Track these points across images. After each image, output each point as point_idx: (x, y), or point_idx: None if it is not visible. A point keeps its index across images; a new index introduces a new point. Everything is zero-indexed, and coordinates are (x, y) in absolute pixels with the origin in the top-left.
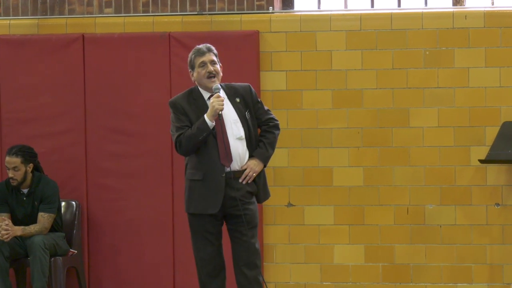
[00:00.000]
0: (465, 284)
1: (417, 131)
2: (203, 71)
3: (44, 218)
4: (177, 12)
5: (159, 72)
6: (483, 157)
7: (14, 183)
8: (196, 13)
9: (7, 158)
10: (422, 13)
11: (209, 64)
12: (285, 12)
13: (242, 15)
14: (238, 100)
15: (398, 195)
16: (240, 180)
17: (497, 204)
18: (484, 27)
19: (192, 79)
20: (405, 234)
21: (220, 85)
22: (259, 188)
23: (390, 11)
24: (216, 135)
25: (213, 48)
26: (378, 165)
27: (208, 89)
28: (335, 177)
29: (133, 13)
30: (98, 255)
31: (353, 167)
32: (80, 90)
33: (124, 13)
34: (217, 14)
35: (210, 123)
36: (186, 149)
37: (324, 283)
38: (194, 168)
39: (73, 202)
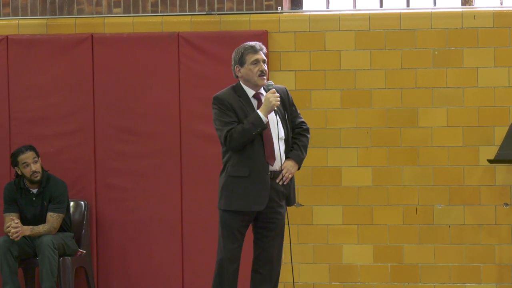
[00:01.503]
0: (474, 284)
1: (426, 131)
2: (256, 69)
3: (53, 218)
4: (186, 12)
5: (168, 72)
6: (492, 157)
7: (38, 176)
8: (205, 13)
9: (23, 155)
10: (431, 13)
11: (261, 63)
12: (294, 12)
13: (251, 15)
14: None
15: (406, 195)
16: (277, 180)
17: (506, 204)
18: (493, 27)
19: (238, 74)
20: (413, 234)
21: None
22: (290, 191)
23: (399, 11)
24: (263, 133)
25: (264, 47)
26: (387, 165)
27: (254, 86)
28: (343, 177)
29: (142, 13)
30: (107, 255)
31: (361, 167)
32: (89, 90)
33: (133, 13)
34: (226, 14)
35: (265, 118)
36: (238, 143)
37: (333, 283)
38: (238, 165)
39: (82, 202)
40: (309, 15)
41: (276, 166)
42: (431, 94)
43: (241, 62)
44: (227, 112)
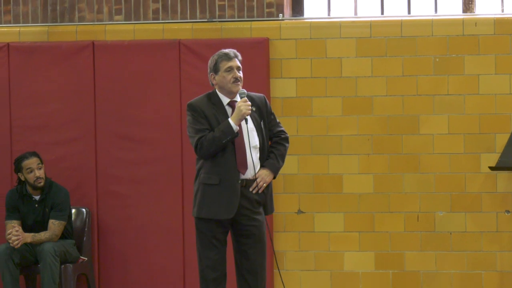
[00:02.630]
0: None
1: (427, 138)
2: (229, 76)
3: (55, 225)
4: (187, 19)
5: (169, 79)
6: (493, 164)
7: (41, 182)
8: (206, 20)
9: (28, 161)
10: (432, 20)
11: (235, 70)
12: (295, 19)
13: (252, 22)
14: (253, 109)
15: (408, 202)
16: (251, 189)
17: (508, 211)
18: (494, 34)
19: (213, 82)
20: (415, 241)
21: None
22: (266, 199)
23: (400, 18)
24: (235, 141)
25: (239, 54)
26: (388, 172)
27: (229, 94)
28: (345, 184)
29: (143, 20)
30: (108, 262)
31: (363, 174)
32: (90, 97)
33: (134, 20)
34: (227, 21)
35: (235, 127)
36: (208, 152)
37: None
38: (209, 172)
39: (83, 209)
40: (310, 22)
41: (248, 174)
42: (432, 101)
43: (215, 69)
44: (200, 119)
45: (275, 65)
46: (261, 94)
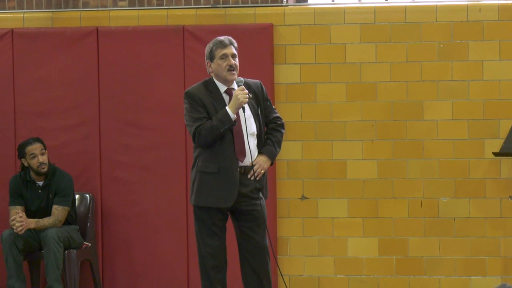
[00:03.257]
0: (479, 277)
1: (431, 124)
2: (224, 64)
3: (58, 211)
4: (191, 5)
5: (173, 65)
6: (497, 150)
7: (45, 168)
8: (210, 6)
9: (31, 146)
10: (436, 6)
11: (230, 57)
12: (299, 5)
13: (256, 8)
14: (250, 95)
15: (412, 188)
16: (249, 176)
17: (511, 197)
18: (498, 20)
19: (209, 70)
20: (419, 227)
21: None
22: (263, 185)
23: (404, 4)
24: (233, 129)
25: (234, 41)
26: (392, 158)
27: (225, 82)
28: (349, 170)
29: (147, 6)
30: (112, 247)
31: (367, 160)
32: (94, 83)
33: (138, 6)
34: (231, 7)
35: (233, 115)
36: (205, 140)
37: (338, 276)
38: (207, 160)
39: (87, 195)
40: (314, 8)
41: (246, 161)
42: (436, 87)
43: (211, 57)
44: (198, 108)
45: (279, 51)
46: (257, 80)
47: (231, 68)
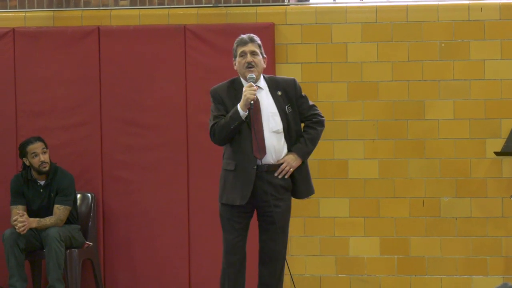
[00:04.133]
0: (480, 276)
1: (432, 124)
2: (243, 61)
3: (60, 210)
4: (193, 4)
5: (175, 64)
6: (498, 149)
7: (46, 167)
8: (211, 5)
9: (32, 145)
10: (437, 5)
11: (249, 55)
12: (300, 4)
13: (258, 7)
14: (279, 93)
15: (413, 187)
16: (276, 174)
17: None
18: (500, 19)
19: (235, 67)
20: (420, 226)
21: (264, 76)
22: (298, 183)
23: (406, 3)
24: (251, 126)
25: (256, 39)
26: (394, 157)
27: (247, 79)
28: (350, 169)
29: (149, 5)
30: (114, 247)
31: (368, 159)
32: (96, 83)
33: (140, 5)
34: (233, 7)
35: (242, 112)
36: (219, 138)
37: (339, 275)
38: (228, 158)
39: (89, 195)
40: (316, 8)
41: (269, 159)
42: (437, 86)
43: (234, 55)
44: (217, 105)
45: (280, 50)
46: (291, 78)
47: (249, 65)
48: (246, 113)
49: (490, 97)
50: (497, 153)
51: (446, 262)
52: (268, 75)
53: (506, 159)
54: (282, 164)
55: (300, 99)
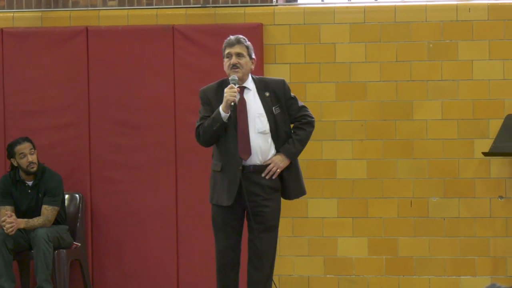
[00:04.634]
0: (468, 276)
1: (420, 124)
2: (228, 62)
3: (48, 211)
4: (181, 4)
5: (163, 65)
6: (486, 150)
7: (34, 168)
8: (200, 5)
9: (20, 146)
10: (425, 6)
11: (234, 56)
12: (288, 5)
13: (246, 7)
14: (267, 94)
15: (401, 187)
16: (263, 175)
17: (501, 197)
18: (488, 19)
19: (224, 68)
20: (408, 226)
21: (252, 77)
22: (287, 184)
23: (394, 3)
24: (237, 127)
25: (243, 40)
26: (382, 157)
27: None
28: (338, 169)
29: (137, 5)
30: (102, 247)
31: (356, 159)
32: (84, 83)
33: (128, 5)
34: (221, 7)
35: (224, 114)
36: (204, 139)
37: (328, 275)
38: (216, 159)
39: (77, 195)
40: (304, 8)
41: (256, 160)
42: (426, 86)
43: (223, 56)
44: (205, 106)
45: (268, 50)
46: (281, 79)
47: (234, 66)
48: (228, 115)
49: (478, 98)
50: (485, 154)
51: (434, 263)
52: (257, 76)
53: (494, 160)
54: (269, 164)
55: (289, 100)
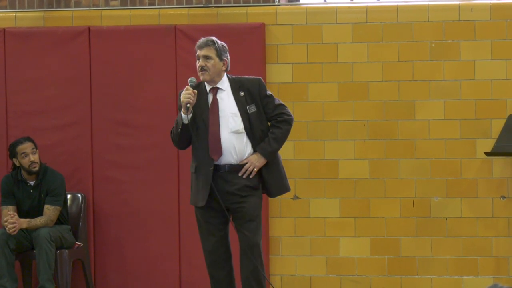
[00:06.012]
0: (470, 276)
1: (423, 124)
2: (197, 65)
3: (50, 211)
4: (183, 4)
5: (165, 65)
6: (489, 150)
7: (36, 167)
8: (202, 5)
9: (22, 146)
10: (428, 6)
11: (201, 59)
12: (291, 5)
13: (248, 7)
14: (242, 93)
15: (403, 187)
16: (240, 174)
17: (503, 197)
18: (490, 19)
19: None
20: (410, 226)
21: (228, 77)
22: (267, 182)
23: (396, 3)
24: (208, 127)
25: (213, 42)
26: (384, 157)
27: (207, 82)
28: (341, 169)
29: (139, 5)
30: (104, 247)
31: (359, 159)
32: (86, 83)
33: (130, 5)
34: (223, 7)
35: (183, 115)
36: (174, 142)
37: (330, 275)
38: (192, 160)
39: (79, 195)
40: (306, 8)
41: (230, 159)
42: (428, 86)
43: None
44: (180, 109)
45: (271, 50)
46: (256, 77)
47: (202, 69)
48: (187, 116)
49: (480, 97)
50: (487, 154)
51: (437, 262)
52: (233, 76)
53: (497, 160)
54: (246, 164)
55: (265, 98)
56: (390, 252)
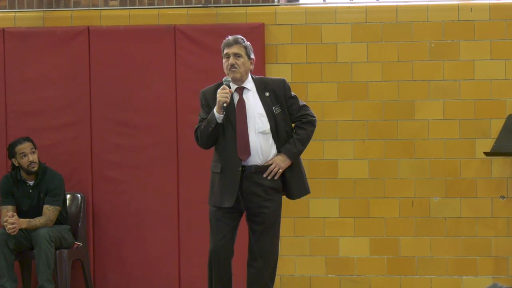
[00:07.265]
0: (470, 276)
1: (422, 124)
2: (226, 63)
3: (50, 211)
4: (183, 4)
5: (165, 65)
6: (488, 150)
7: (35, 167)
8: (201, 5)
9: (21, 146)
10: (427, 6)
11: (232, 56)
12: (290, 5)
13: (248, 7)
14: (267, 94)
15: (403, 187)
16: (265, 175)
17: (502, 197)
18: (490, 19)
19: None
20: (410, 226)
21: (252, 77)
22: (290, 184)
23: (396, 3)
24: (236, 128)
25: (241, 40)
26: (383, 157)
27: (235, 80)
28: (340, 169)
29: (139, 5)
30: (103, 247)
31: (358, 159)
32: (86, 83)
33: (130, 5)
34: (223, 7)
35: (218, 115)
36: (201, 141)
37: (329, 275)
38: (215, 160)
39: (78, 195)
40: (306, 8)
41: (257, 160)
42: (427, 86)
43: (222, 56)
44: (204, 108)
45: (270, 50)
46: (281, 78)
47: (232, 67)
48: (222, 116)
49: (480, 97)
50: (486, 153)
51: (436, 262)
52: (258, 76)
53: (496, 160)
54: (271, 165)
55: (290, 99)
56: (390, 252)
